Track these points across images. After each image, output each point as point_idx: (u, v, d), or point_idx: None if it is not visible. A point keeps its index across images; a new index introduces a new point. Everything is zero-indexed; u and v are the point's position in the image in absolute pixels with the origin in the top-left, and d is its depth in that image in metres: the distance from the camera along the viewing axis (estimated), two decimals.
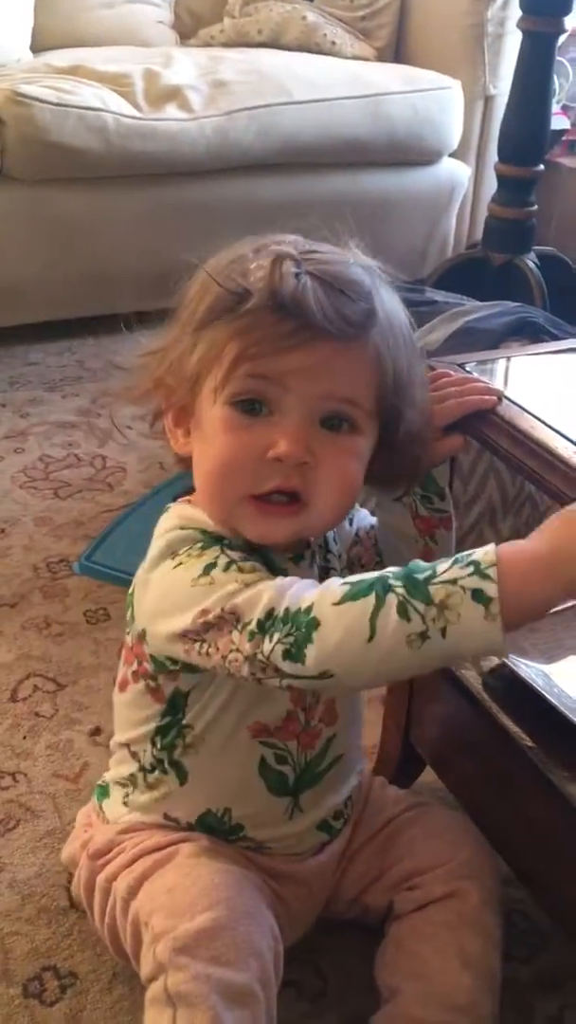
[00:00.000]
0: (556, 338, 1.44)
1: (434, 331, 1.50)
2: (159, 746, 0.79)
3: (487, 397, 0.78)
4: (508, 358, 0.96)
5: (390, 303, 0.72)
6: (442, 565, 0.60)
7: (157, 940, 0.70)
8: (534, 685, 0.85)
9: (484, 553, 0.59)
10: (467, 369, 0.85)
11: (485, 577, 0.58)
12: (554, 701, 0.83)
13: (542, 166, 1.88)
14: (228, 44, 2.40)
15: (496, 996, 0.80)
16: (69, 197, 1.95)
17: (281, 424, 0.68)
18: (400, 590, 0.60)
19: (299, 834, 0.82)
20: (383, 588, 0.61)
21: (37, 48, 2.24)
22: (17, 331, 2.05)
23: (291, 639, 0.62)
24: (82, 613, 1.31)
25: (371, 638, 0.60)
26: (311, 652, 0.61)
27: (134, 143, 1.93)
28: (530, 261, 1.89)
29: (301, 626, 0.62)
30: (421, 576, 0.60)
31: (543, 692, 0.84)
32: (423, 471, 0.78)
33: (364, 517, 0.85)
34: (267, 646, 0.63)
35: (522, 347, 1.36)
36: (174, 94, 1.99)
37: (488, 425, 0.77)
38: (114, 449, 1.71)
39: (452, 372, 0.82)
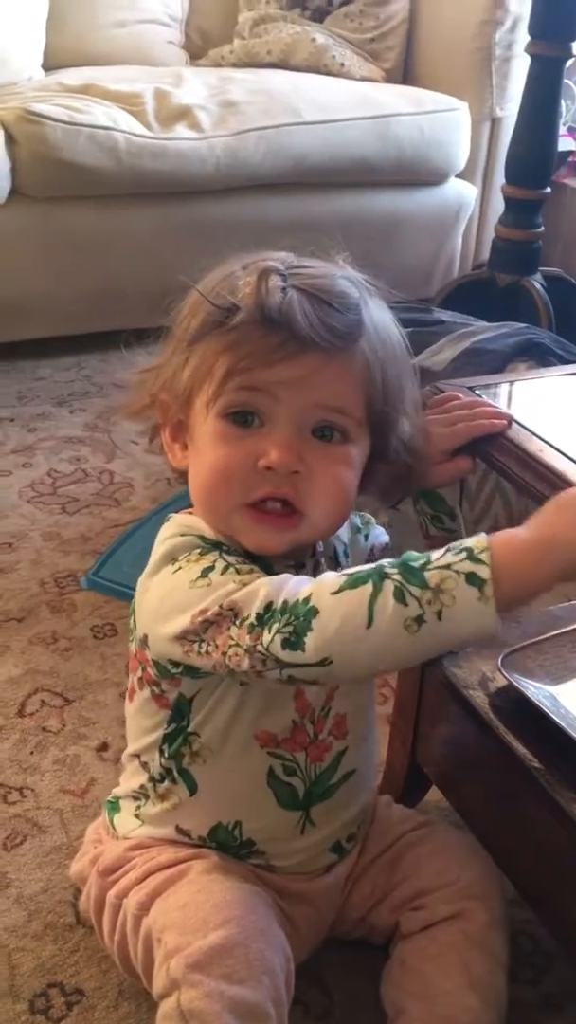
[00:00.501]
0: (562, 359, 1.46)
1: (441, 351, 1.51)
2: (167, 754, 0.79)
3: (497, 421, 0.79)
4: (514, 381, 0.97)
5: (379, 315, 0.74)
6: (436, 553, 0.63)
7: (170, 957, 0.70)
8: (541, 706, 0.85)
9: (476, 540, 0.62)
10: (476, 392, 0.86)
11: (478, 561, 0.60)
12: (561, 722, 0.83)
13: (549, 188, 1.89)
14: (238, 64, 2.42)
15: (502, 1017, 0.80)
16: (80, 214, 1.97)
17: (272, 434, 0.70)
18: (396, 577, 0.62)
19: (311, 849, 0.82)
20: (379, 576, 0.62)
21: (49, 67, 2.26)
22: (26, 346, 2.06)
23: (290, 628, 0.63)
24: (89, 628, 1.31)
25: (369, 624, 0.61)
26: (310, 639, 0.63)
27: (144, 162, 1.95)
28: (536, 282, 1.90)
29: (300, 615, 0.63)
30: (416, 563, 0.62)
31: (550, 713, 0.84)
32: (417, 481, 0.79)
33: (380, 535, 0.86)
34: (267, 637, 0.64)
35: (529, 368, 1.37)
36: (184, 114, 2.01)
37: (497, 448, 0.78)
38: (121, 464, 1.72)
39: (461, 395, 0.83)
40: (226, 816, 0.79)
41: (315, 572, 0.76)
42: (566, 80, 1.94)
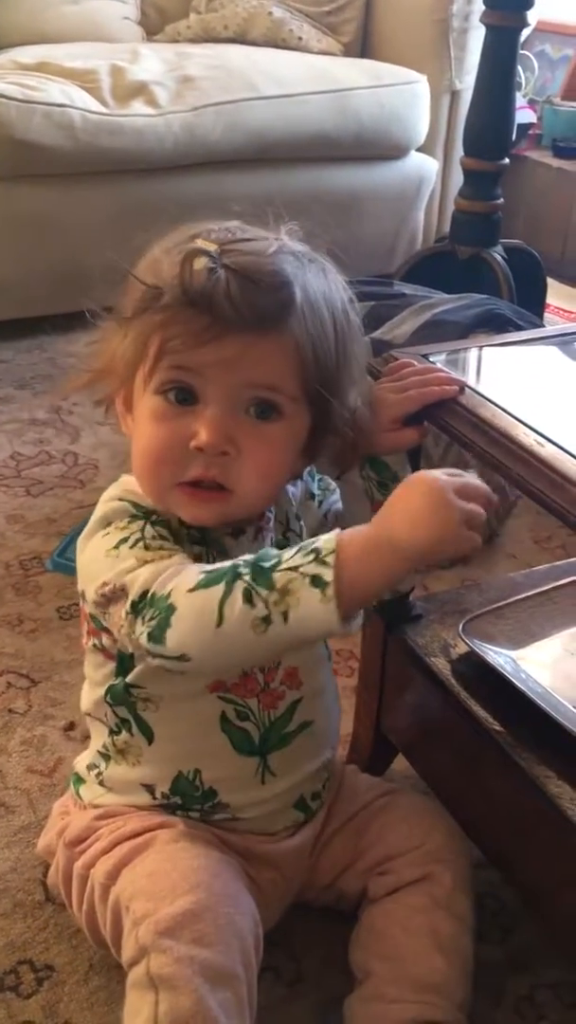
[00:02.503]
0: (522, 329, 1.46)
1: (403, 324, 1.51)
2: (116, 701, 0.80)
3: (448, 387, 0.79)
4: (471, 348, 0.97)
5: (317, 288, 0.73)
6: (288, 552, 0.65)
7: (138, 923, 0.70)
8: (502, 671, 0.86)
9: (326, 540, 0.64)
10: (430, 360, 0.86)
11: (323, 563, 0.63)
12: (521, 686, 0.84)
13: (507, 160, 1.89)
14: (195, 40, 2.40)
15: (469, 977, 0.81)
16: (37, 194, 1.95)
17: (204, 414, 0.71)
18: (247, 577, 0.64)
19: (274, 801, 0.82)
20: (232, 576, 0.65)
21: (1, 45, 2.23)
22: None
23: (153, 623, 0.67)
24: (55, 609, 1.31)
25: (219, 623, 0.64)
26: (169, 635, 0.66)
27: (101, 139, 1.93)
28: (497, 254, 1.90)
29: (161, 610, 0.66)
30: (267, 564, 0.65)
31: (510, 678, 0.85)
32: (365, 448, 0.80)
33: (335, 502, 0.86)
34: (138, 628, 0.68)
35: (488, 338, 1.38)
36: (141, 90, 1.99)
37: (450, 414, 0.78)
38: (85, 446, 1.71)
39: (414, 362, 0.83)
40: (185, 764, 0.80)
41: (256, 537, 0.78)
42: (524, 52, 1.94)
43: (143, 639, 0.67)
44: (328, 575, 0.62)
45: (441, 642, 0.93)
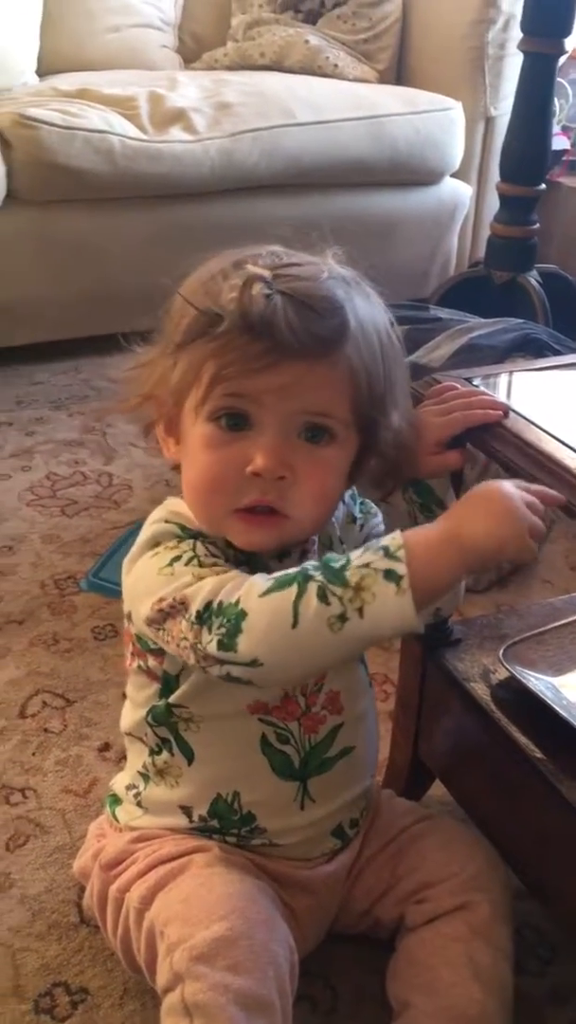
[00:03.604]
0: (559, 354, 1.45)
1: (439, 348, 1.51)
2: (158, 721, 0.80)
3: (492, 411, 0.79)
4: (512, 372, 0.97)
5: (365, 312, 0.74)
6: (355, 553, 0.66)
7: (173, 949, 0.70)
8: (543, 697, 0.85)
9: (391, 538, 0.66)
10: (473, 383, 0.86)
11: (394, 558, 0.64)
12: (563, 713, 0.83)
13: (543, 185, 1.89)
14: (231, 67, 2.43)
15: (509, 1009, 0.80)
16: (76, 218, 1.98)
17: (259, 440, 0.71)
18: (319, 578, 0.65)
19: (312, 828, 0.82)
20: (304, 578, 0.65)
21: (43, 72, 2.27)
22: (24, 350, 2.06)
23: (223, 630, 0.66)
24: (90, 629, 1.31)
25: (295, 624, 0.64)
26: (241, 641, 0.66)
27: (140, 165, 1.95)
28: (532, 279, 1.90)
29: (231, 617, 0.66)
30: (337, 564, 0.66)
31: (552, 704, 0.84)
32: (408, 471, 0.80)
33: (377, 525, 0.86)
34: (205, 637, 0.67)
35: (527, 362, 1.37)
36: (179, 116, 2.01)
37: (495, 438, 0.78)
38: (120, 467, 1.72)
39: (458, 385, 0.83)
40: (224, 786, 0.79)
41: (300, 561, 0.77)
42: (559, 79, 1.95)
43: (212, 647, 0.67)
44: (401, 569, 0.63)
45: (481, 667, 0.92)
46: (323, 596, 0.64)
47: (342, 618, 0.64)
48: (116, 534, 1.51)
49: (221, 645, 0.66)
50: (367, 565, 0.64)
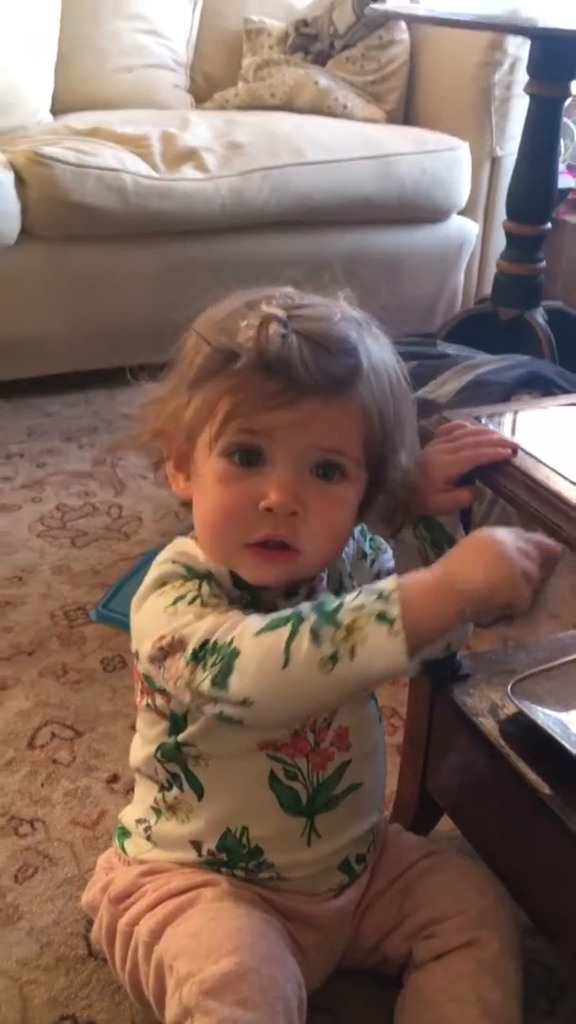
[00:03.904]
0: (566, 391, 1.47)
1: (446, 384, 1.53)
2: (167, 758, 0.80)
3: (501, 450, 0.80)
4: (519, 411, 0.98)
5: (377, 353, 0.75)
6: (350, 596, 0.67)
7: (182, 984, 0.70)
8: (551, 733, 0.85)
9: (386, 582, 0.67)
10: (482, 421, 0.87)
11: (387, 601, 0.65)
12: (571, 749, 0.83)
13: (549, 224, 1.92)
14: (242, 107, 2.47)
15: None
16: (88, 254, 2.01)
17: (272, 475, 0.72)
18: (312, 619, 0.66)
19: (319, 863, 0.82)
20: (297, 619, 0.67)
21: (57, 111, 2.31)
22: (35, 383, 2.09)
23: (215, 668, 0.68)
24: (99, 661, 1.32)
25: (286, 664, 0.65)
26: (233, 680, 0.67)
27: (152, 202, 1.98)
28: (538, 316, 1.92)
29: (224, 656, 0.67)
30: (331, 607, 0.67)
31: (560, 739, 0.84)
32: (417, 508, 0.81)
33: (387, 561, 0.87)
34: (199, 676, 0.69)
35: (533, 399, 1.39)
36: (191, 155, 2.05)
37: (504, 476, 0.79)
38: (130, 499, 1.73)
39: (467, 424, 0.84)
40: (233, 821, 0.80)
41: (308, 598, 0.78)
42: (564, 119, 1.98)
43: (205, 685, 0.68)
44: (393, 611, 0.64)
45: (489, 702, 0.93)
46: (315, 637, 0.65)
47: (333, 659, 0.65)
48: (126, 566, 1.53)
49: (214, 683, 0.68)
50: (360, 607, 0.65)
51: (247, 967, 0.70)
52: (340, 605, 0.66)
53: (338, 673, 0.65)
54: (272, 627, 0.67)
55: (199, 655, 0.69)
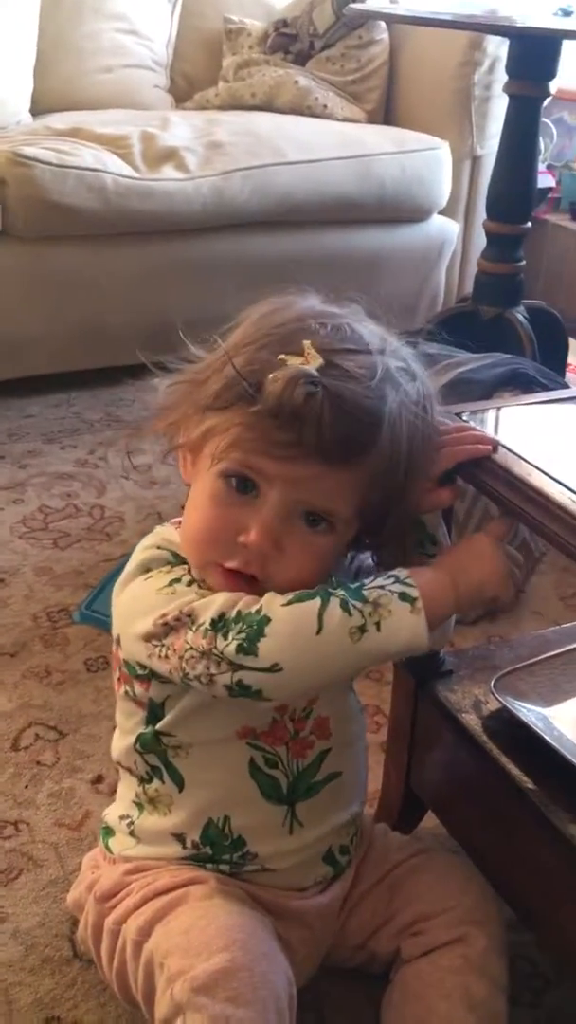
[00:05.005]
0: (546, 388, 1.48)
1: None
2: (146, 749, 0.81)
3: (482, 446, 0.80)
4: (500, 408, 0.99)
5: (405, 410, 0.74)
6: (368, 580, 0.73)
7: (174, 980, 0.70)
8: (534, 728, 0.86)
9: (398, 569, 0.73)
10: (463, 418, 0.87)
11: (405, 584, 0.71)
12: (554, 744, 0.84)
13: (529, 223, 1.93)
14: (223, 107, 2.47)
15: None
16: (68, 254, 2.00)
17: (259, 512, 0.73)
18: (340, 592, 0.71)
19: (302, 852, 0.82)
20: (326, 593, 0.71)
21: (37, 111, 2.30)
22: (16, 384, 2.08)
23: (243, 635, 0.69)
24: (82, 662, 1.31)
25: (319, 630, 0.69)
26: (264, 644, 0.69)
27: (132, 202, 1.98)
28: (519, 314, 1.93)
29: (253, 623, 0.70)
30: (355, 585, 0.72)
31: (543, 735, 0.85)
32: (412, 541, 0.81)
33: (365, 557, 0.87)
34: (221, 642, 0.70)
35: (514, 397, 1.39)
36: (171, 155, 2.05)
37: (486, 472, 0.79)
38: (112, 499, 1.73)
39: (448, 422, 0.84)
40: (215, 811, 0.80)
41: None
42: (543, 119, 1.99)
43: (230, 649, 0.69)
44: (414, 592, 0.70)
45: (472, 698, 0.93)
46: (346, 607, 0.69)
47: (362, 629, 0.69)
48: (108, 566, 1.52)
49: (241, 648, 0.69)
50: (383, 587, 0.71)
51: (239, 964, 0.70)
52: (362, 584, 0.71)
53: (365, 644, 0.69)
54: (302, 599, 0.70)
55: (219, 624, 0.70)
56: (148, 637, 0.74)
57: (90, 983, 0.89)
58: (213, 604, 0.71)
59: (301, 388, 0.69)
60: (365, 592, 0.70)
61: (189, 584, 0.75)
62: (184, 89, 2.59)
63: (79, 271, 2.01)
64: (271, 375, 0.70)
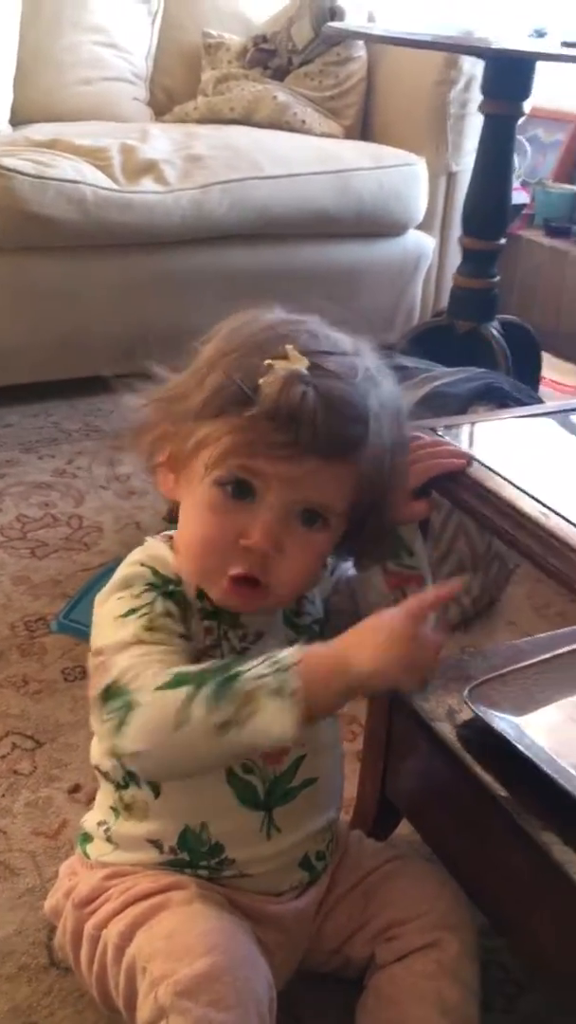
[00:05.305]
0: (520, 402, 1.50)
1: (404, 395, 1.55)
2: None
3: (456, 460, 0.82)
4: (475, 423, 1.01)
5: (385, 409, 0.76)
6: (254, 662, 0.69)
7: (157, 984, 0.71)
8: (507, 736, 0.87)
9: (289, 654, 0.69)
10: (438, 433, 0.89)
11: (287, 673, 0.67)
12: (526, 752, 0.85)
13: (504, 240, 1.96)
14: (201, 121, 2.49)
15: None
16: (48, 265, 2.01)
17: (258, 515, 0.74)
18: (213, 683, 0.68)
19: (279, 858, 0.83)
20: (199, 680, 0.69)
21: (16, 122, 2.31)
22: None
23: (115, 716, 0.70)
24: (60, 671, 1.32)
25: (177, 727, 0.68)
26: (128, 732, 0.69)
27: (111, 214, 1.99)
28: (494, 329, 1.96)
29: (125, 704, 0.70)
30: (233, 671, 0.69)
31: (515, 743, 0.86)
32: (389, 547, 0.83)
33: (347, 568, 0.89)
34: (103, 713, 0.71)
35: (489, 411, 1.42)
36: (150, 168, 2.06)
37: (459, 485, 0.81)
38: (90, 509, 1.73)
39: (423, 436, 0.86)
40: (192, 818, 0.80)
41: (274, 612, 0.81)
42: (518, 136, 2.02)
43: (108, 725, 0.70)
44: (292, 683, 0.67)
45: (446, 707, 0.95)
46: (213, 701, 0.67)
47: (226, 726, 0.67)
48: (86, 576, 1.53)
49: (116, 729, 0.70)
50: (260, 677, 0.68)
51: (221, 968, 0.71)
52: (242, 671, 0.68)
53: (229, 739, 0.67)
54: (174, 684, 0.69)
55: (106, 695, 0.71)
56: (95, 654, 0.75)
57: (67, 990, 0.90)
58: (116, 666, 0.71)
59: (297, 388, 0.71)
60: (240, 683, 0.68)
61: (141, 617, 0.74)
62: (163, 102, 2.61)
63: (58, 283, 2.02)
64: (263, 379, 0.71)
